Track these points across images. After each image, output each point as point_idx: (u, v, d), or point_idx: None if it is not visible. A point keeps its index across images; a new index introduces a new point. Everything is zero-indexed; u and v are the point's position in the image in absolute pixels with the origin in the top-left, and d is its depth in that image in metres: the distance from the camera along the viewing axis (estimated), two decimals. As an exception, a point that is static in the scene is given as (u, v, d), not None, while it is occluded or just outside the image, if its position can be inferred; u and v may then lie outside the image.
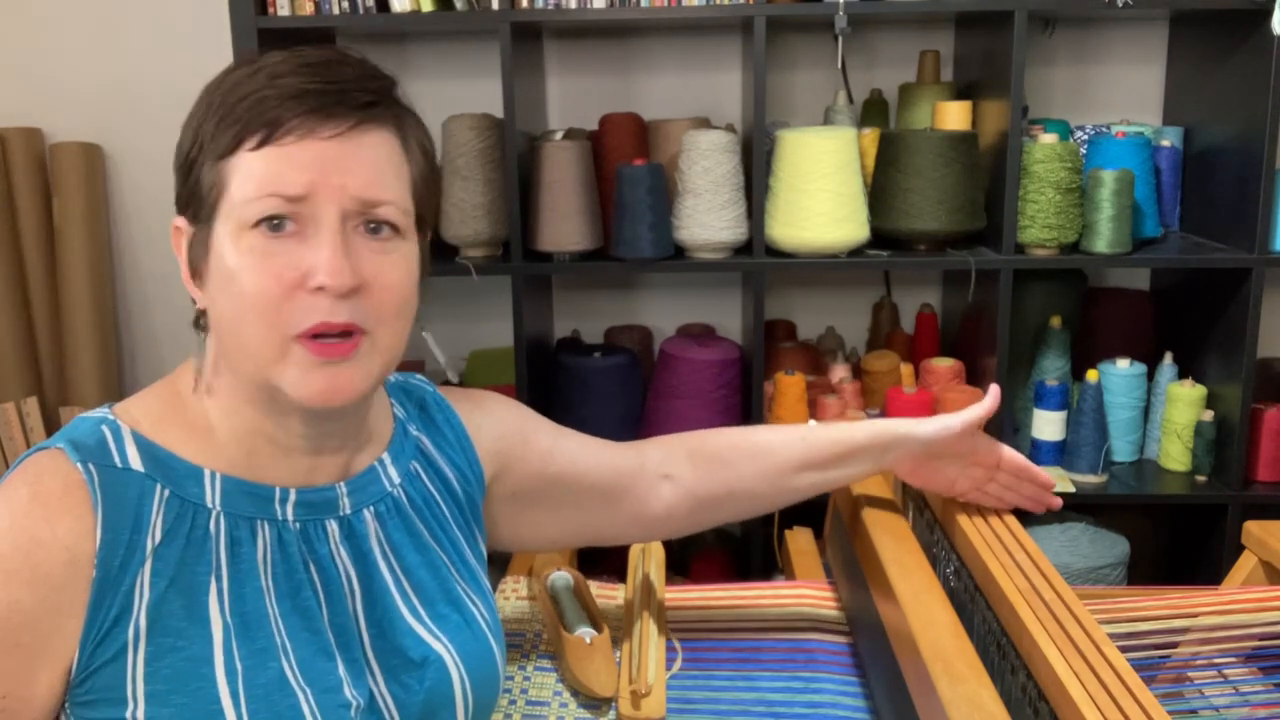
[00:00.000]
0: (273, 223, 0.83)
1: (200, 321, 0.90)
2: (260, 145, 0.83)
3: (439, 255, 2.24)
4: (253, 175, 0.83)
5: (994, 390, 1.21)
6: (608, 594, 1.38)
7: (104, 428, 0.87)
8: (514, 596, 1.37)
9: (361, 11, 2.14)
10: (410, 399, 1.06)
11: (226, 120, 0.83)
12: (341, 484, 0.94)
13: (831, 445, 1.19)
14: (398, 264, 0.87)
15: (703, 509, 1.20)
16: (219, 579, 0.86)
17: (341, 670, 0.89)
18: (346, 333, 0.84)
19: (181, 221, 0.89)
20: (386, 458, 0.99)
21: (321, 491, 0.93)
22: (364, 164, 0.85)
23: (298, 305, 0.83)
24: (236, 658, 0.85)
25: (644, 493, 1.17)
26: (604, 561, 1.93)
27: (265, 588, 0.88)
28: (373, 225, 0.86)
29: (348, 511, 0.94)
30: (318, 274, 0.82)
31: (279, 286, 0.82)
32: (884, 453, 1.20)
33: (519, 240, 2.18)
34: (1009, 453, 1.21)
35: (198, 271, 0.88)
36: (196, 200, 0.86)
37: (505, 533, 1.12)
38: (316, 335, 0.83)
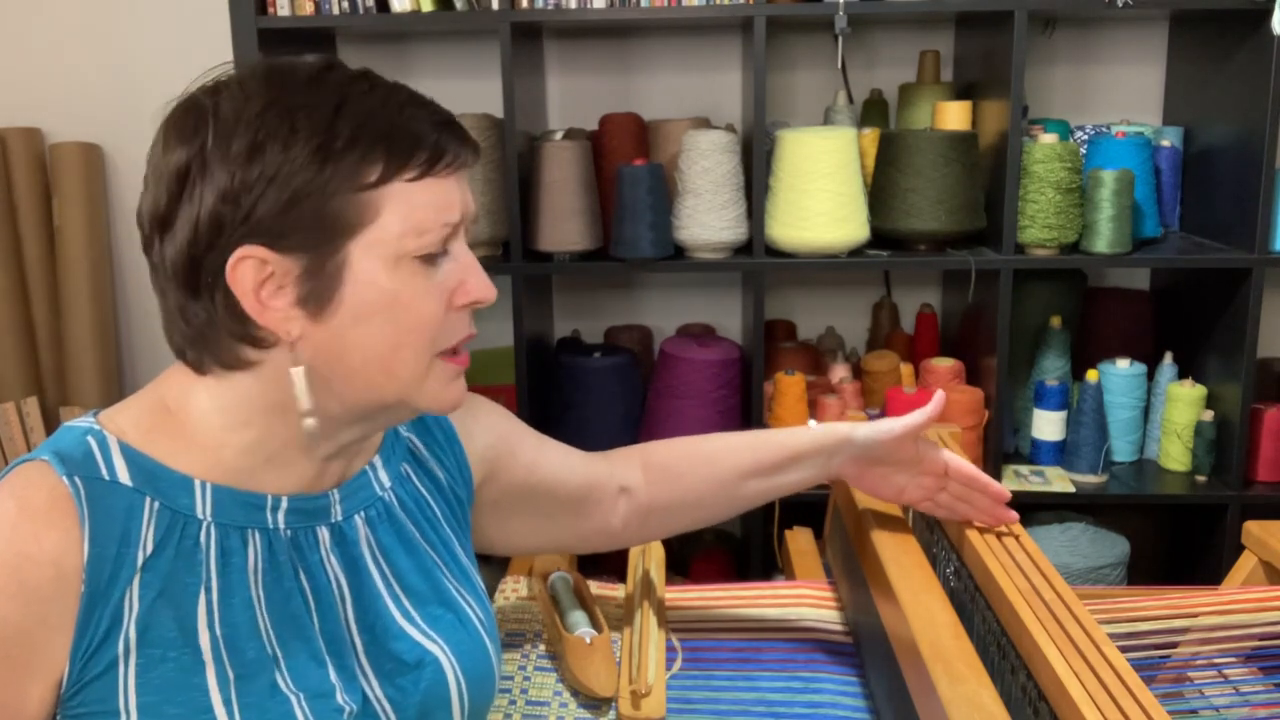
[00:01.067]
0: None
1: (263, 351, 0.85)
2: (421, 175, 0.83)
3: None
4: (419, 206, 0.83)
5: (938, 396, 1.17)
6: (608, 594, 1.38)
7: (90, 439, 0.86)
8: (514, 596, 1.38)
9: (361, 11, 2.14)
10: None
11: (362, 145, 0.80)
12: (334, 490, 0.94)
13: (778, 451, 1.19)
14: None
15: (654, 520, 1.21)
16: (208, 590, 0.85)
17: (333, 676, 0.89)
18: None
19: (264, 252, 0.80)
20: (377, 461, 0.99)
21: (314, 499, 0.92)
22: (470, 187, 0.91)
23: (452, 322, 0.88)
24: (228, 667, 0.84)
25: (608, 506, 1.18)
26: (604, 561, 1.93)
27: (255, 597, 0.87)
28: None
29: (339, 518, 0.94)
30: (473, 292, 0.88)
31: (444, 307, 0.87)
32: (829, 457, 1.19)
33: (519, 240, 2.19)
34: (956, 461, 1.18)
35: (308, 302, 0.83)
36: (304, 230, 0.81)
37: (481, 538, 1.12)
38: (454, 349, 0.89)
